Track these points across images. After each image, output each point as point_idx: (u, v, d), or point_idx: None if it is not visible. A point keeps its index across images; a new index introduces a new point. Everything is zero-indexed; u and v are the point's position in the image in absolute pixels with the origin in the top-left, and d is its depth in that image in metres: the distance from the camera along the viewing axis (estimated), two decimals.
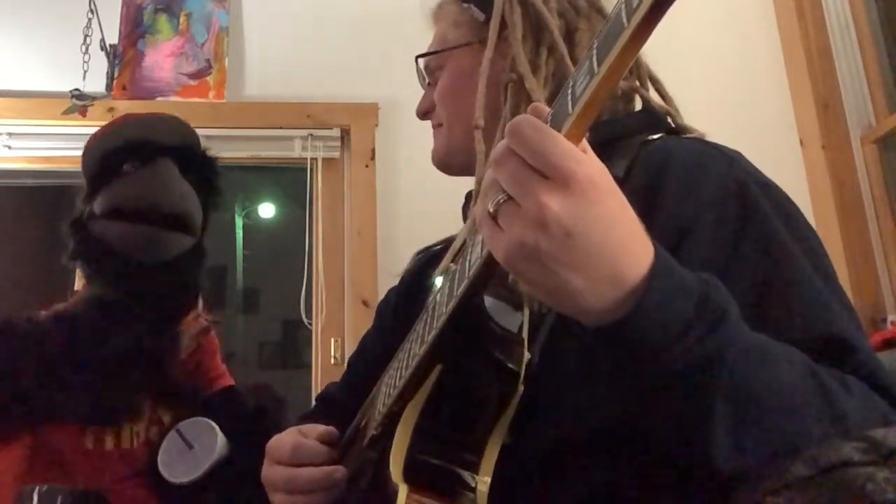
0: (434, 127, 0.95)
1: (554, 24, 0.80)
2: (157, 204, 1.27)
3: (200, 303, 1.43)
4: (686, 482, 0.57)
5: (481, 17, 0.87)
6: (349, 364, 1.09)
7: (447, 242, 0.99)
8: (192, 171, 1.33)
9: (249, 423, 1.32)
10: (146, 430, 1.28)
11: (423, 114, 0.97)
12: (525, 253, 0.48)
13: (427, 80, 0.97)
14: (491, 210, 0.50)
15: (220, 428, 1.25)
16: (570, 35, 0.82)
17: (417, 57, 0.95)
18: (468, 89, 0.84)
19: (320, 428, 0.83)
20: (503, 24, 0.82)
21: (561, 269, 0.48)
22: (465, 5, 0.89)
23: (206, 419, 1.25)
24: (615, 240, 0.49)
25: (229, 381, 1.43)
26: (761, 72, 2.33)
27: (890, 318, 1.95)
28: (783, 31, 2.34)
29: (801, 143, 2.24)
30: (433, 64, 0.94)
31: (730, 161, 0.71)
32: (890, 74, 2.18)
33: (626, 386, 0.54)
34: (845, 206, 2.08)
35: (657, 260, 0.50)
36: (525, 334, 0.65)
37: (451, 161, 0.92)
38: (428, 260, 1.00)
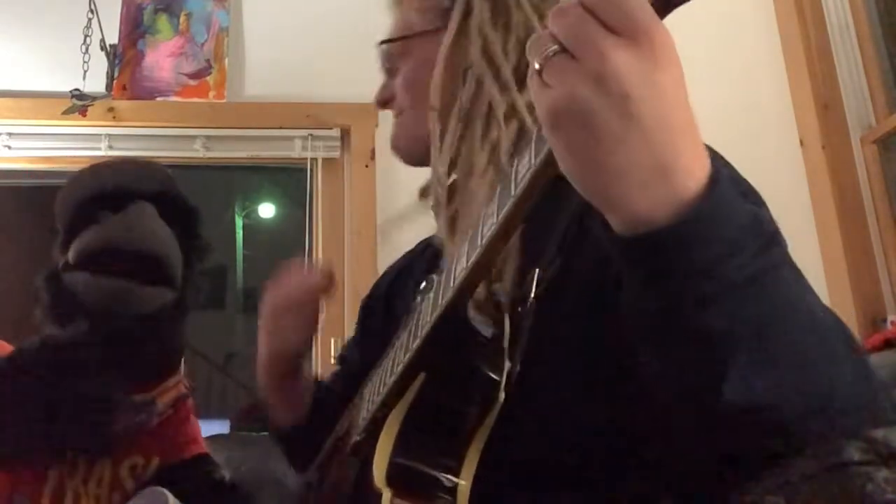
0: (395, 116, 0.91)
1: (522, 11, 0.77)
2: (131, 245, 1.18)
3: (182, 367, 1.31)
4: (680, 487, 0.57)
5: (446, 2, 0.83)
6: (339, 360, 1.11)
7: (411, 255, 1.01)
8: (172, 218, 1.25)
9: (213, 494, 1.24)
10: (108, 497, 1.19)
11: (384, 103, 0.92)
12: (573, 110, 0.42)
13: (388, 68, 0.92)
14: (537, 64, 0.44)
15: (184, 499, 1.15)
16: (541, 21, 0.77)
17: (381, 42, 0.90)
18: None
19: None
20: (469, 9, 0.79)
21: (608, 139, 0.42)
22: None
23: (160, 489, 1.14)
24: (676, 122, 0.44)
25: (200, 447, 1.33)
26: (761, 72, 2.33)
27: (890, 318, 1.94)
28: (783, 31, 2.34)
29: (801, 143, 2.24)
30: (396, 51, 0.90)
31: None
32: (890, 74, 2.18)
33: (638, 319, 0.49)
34: (845, 206, 2.07)
35: (714, 164, 0.46)
36: (506, 343, 0.63)
37: (412, 148, 0.87)
38: (398, 272, 1.01)
